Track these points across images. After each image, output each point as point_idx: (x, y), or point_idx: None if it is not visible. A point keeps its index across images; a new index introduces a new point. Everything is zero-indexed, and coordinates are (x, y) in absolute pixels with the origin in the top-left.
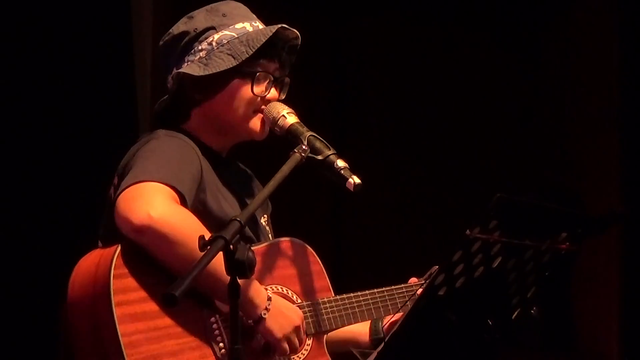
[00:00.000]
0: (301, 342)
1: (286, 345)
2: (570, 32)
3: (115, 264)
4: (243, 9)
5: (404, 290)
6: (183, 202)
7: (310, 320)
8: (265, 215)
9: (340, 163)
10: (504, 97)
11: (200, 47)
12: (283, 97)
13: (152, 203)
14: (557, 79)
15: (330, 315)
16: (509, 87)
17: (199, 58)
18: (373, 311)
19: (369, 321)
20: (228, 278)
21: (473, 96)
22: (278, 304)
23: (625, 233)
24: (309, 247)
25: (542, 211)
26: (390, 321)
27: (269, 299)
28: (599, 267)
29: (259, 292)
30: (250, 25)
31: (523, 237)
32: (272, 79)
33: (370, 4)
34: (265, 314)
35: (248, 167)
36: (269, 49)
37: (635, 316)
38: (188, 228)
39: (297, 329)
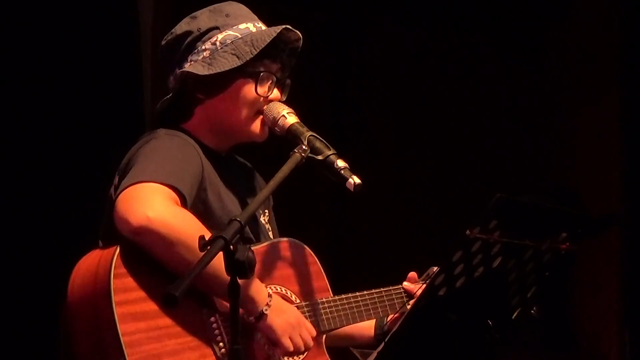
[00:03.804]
0: (307, 344)
1: (289, 342)
2: (570, 33)
3: (115, 264)
4: (245, 9)
5: (403, 290)
6: (183, 202)
7: (309, 320)
8: (267, 211)
9: (341, 163)
10: (504, 98)
11: (203, 47)
12: (284, 99)
13: (151, 204)
14: (558, 79)
15: (329, 316)
16: (510, 88)
17: (202, 58)
18: (372, 311)
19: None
20: (228, 278)
21: (473, 97)
22: (279, 302)
23: (625, 233)
24: (307, 248)
25: (542, 211)
26: (393, 317)
27: (270, 296)
28: (599, 267)
29: (260, 289)
30: (253, 26)
31: (523, 237)
32: (275, 79)
33: (371, 5)
34: (267, 309)
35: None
36: (271, 50)
37: (635, 316)
38: (186, 229)
39: (298, 327)
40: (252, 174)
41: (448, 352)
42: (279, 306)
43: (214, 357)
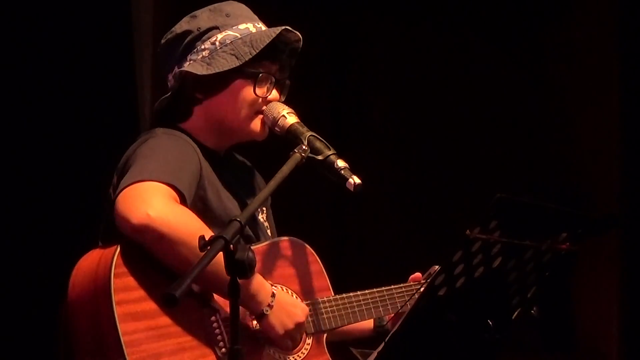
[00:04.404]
0: (300, 340)
1: (289, 342)
2: (571, 33)
3: (115, 263)
4: (246, 10)
5: (404, 289)
6: (182, 200)
7: (309, 319)
8: (265, 209)
9: (341, 163)
10: (505, 98)
11: (203, 47)
12: (283, 99)
13: (151, 202)
14: (558, 79)
15: (330, 315)
16: (510, 88)
17: (201, 57)
18: (373, 311)
19: None
20: (228, 278)
21: (474, 97)
22: (283, 301)
23: (625, 233)
24: (308, 247)
25: (542, 211)
26: (393, 317)
27: (273, 295)
28: (599, 267)
29: (263, 287)
30: (253, 27)
31: (523, 238)
32: (274, 80)
33: (370, 4)
34: (267, 310)
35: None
36: (271, 51)
37: (635, 316)
38: (187, 227)
39: (299, 326)
40: (251, 172)
41: (448, 352)
42: (282, 305)
43: (214, 356)
